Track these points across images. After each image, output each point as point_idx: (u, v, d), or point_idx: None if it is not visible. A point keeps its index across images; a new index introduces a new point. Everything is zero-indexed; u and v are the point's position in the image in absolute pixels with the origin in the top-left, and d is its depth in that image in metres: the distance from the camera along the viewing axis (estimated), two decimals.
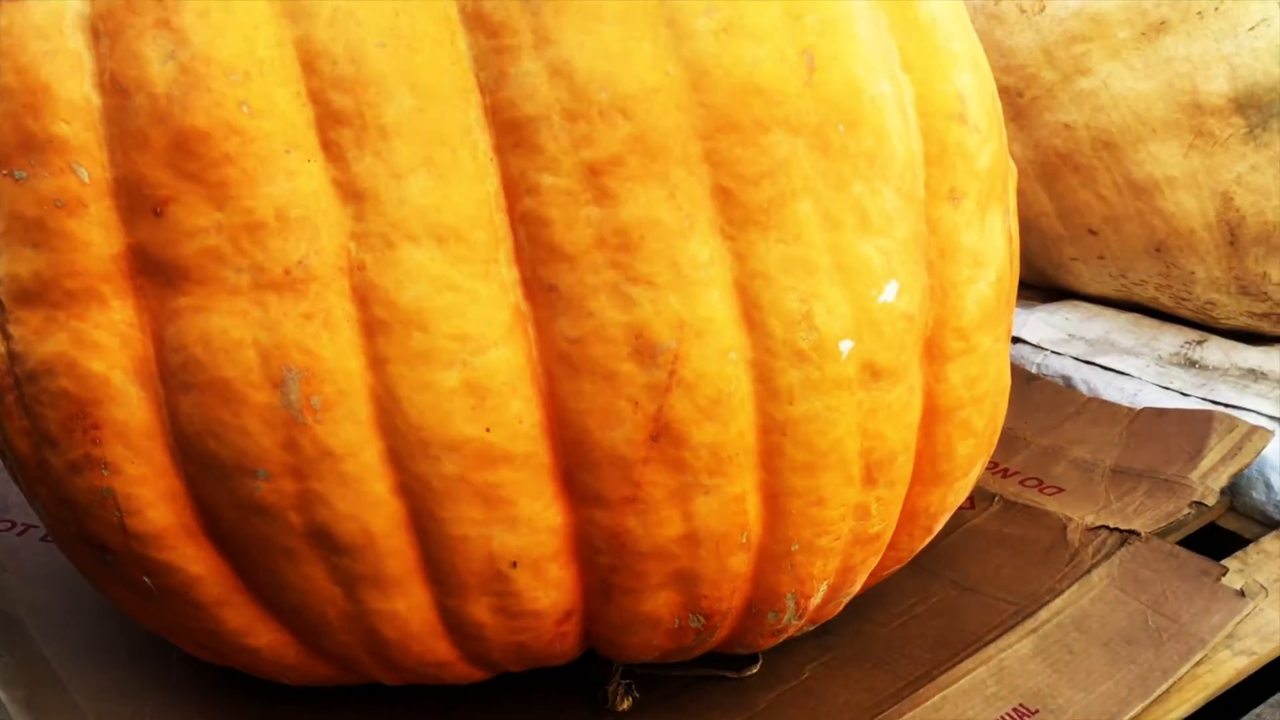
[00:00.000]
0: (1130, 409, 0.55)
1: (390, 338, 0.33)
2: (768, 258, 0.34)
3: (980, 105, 0.38)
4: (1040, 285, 0.67)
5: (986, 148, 0.38)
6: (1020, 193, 0.61)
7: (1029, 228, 0.63)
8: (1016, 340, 0.63)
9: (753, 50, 0.33)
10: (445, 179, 0.33)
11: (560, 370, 0.34)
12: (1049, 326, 0.63)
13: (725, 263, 0.34)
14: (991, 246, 0.39)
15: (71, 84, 0.34)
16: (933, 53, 0.37)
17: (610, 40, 0.33)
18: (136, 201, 0.34)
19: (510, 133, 0.33)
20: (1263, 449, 0.50)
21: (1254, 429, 0.51)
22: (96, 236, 0.34)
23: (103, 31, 0.34)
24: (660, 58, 0.33)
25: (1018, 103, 0.59)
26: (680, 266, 0.33)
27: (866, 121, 0.35)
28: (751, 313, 0.34)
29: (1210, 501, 0.50)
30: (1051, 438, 0.56)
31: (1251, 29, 0.53)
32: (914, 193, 0.36)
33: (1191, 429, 0.52)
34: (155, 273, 0.34)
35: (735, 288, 0.34)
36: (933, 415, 0.39)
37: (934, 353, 0.38)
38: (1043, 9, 0.57)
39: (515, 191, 0.34)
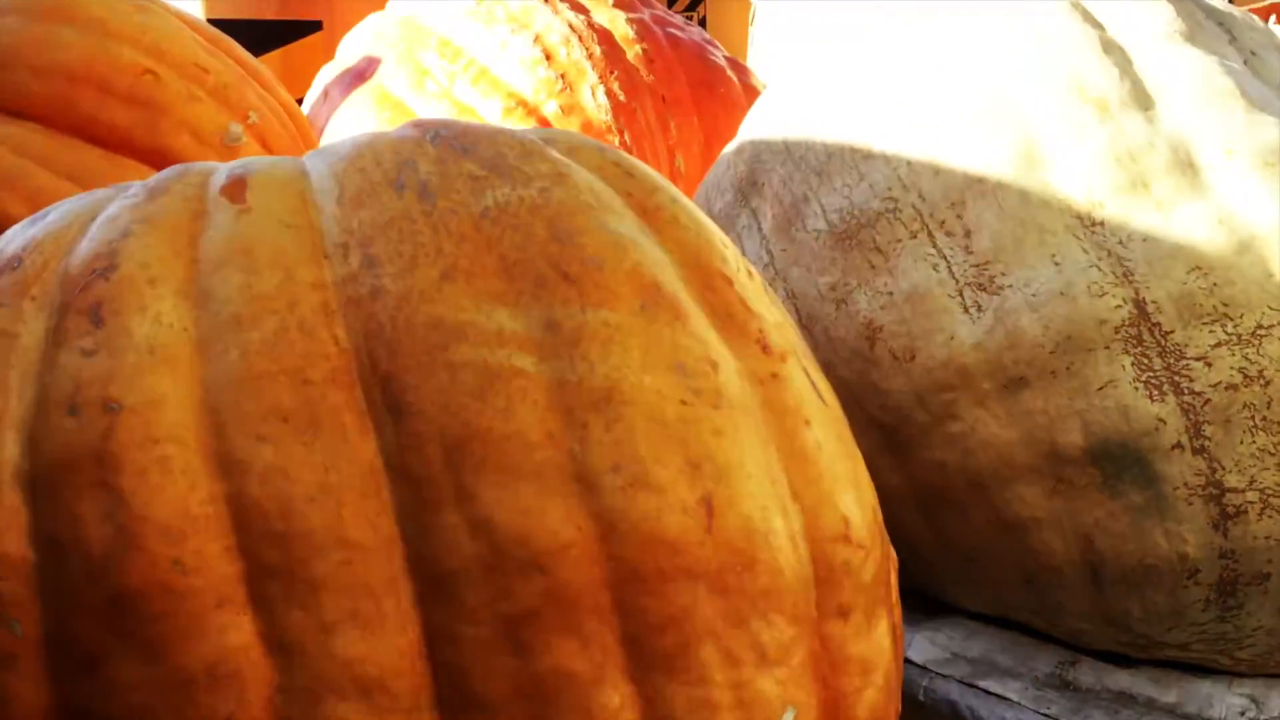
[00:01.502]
0: None
1: None
2: (674, 700, 0.36)
3: (863, 520, 0.42)
4: (922, 596, 0.71)
5: (870, 560, 0.42)
6: (901, 521, 0.65)
7: (910, 552, 0.66)
8: (904, 662, 0.65)
9: (656, 502, 0.37)
10: (371, 630, 0.35)
11: None
12: (933, 646, 0.67)
13: (635, 707, 0.36)
14: (879, 649, 0.42)
15: (9, 539, 0.36)
16: (818, 479, 0.41)
17: (526, 497, 0.36)
18: (69, 657, 0.35)
19: (433, 584, 0.36)
20: None
21: None
22: (27, 691, 0.35)
23: (41, 489, 0.36)
24: (573, 513, 0.36)
25: (895, 439, 0.64)
26: (592, 714, 0.35)
27: (762, 561, 0.38)
28: None
29: None
30: None
31: (1100, 389, 0.58)
32: (807, 615, 0.39)
33: None
34: None
35: None
36: None
37: None
38: (913, 358, 0.62)
39: (437, 641, 0.36)
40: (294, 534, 0.35)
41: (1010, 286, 0.59)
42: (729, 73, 1.07)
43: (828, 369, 0.65)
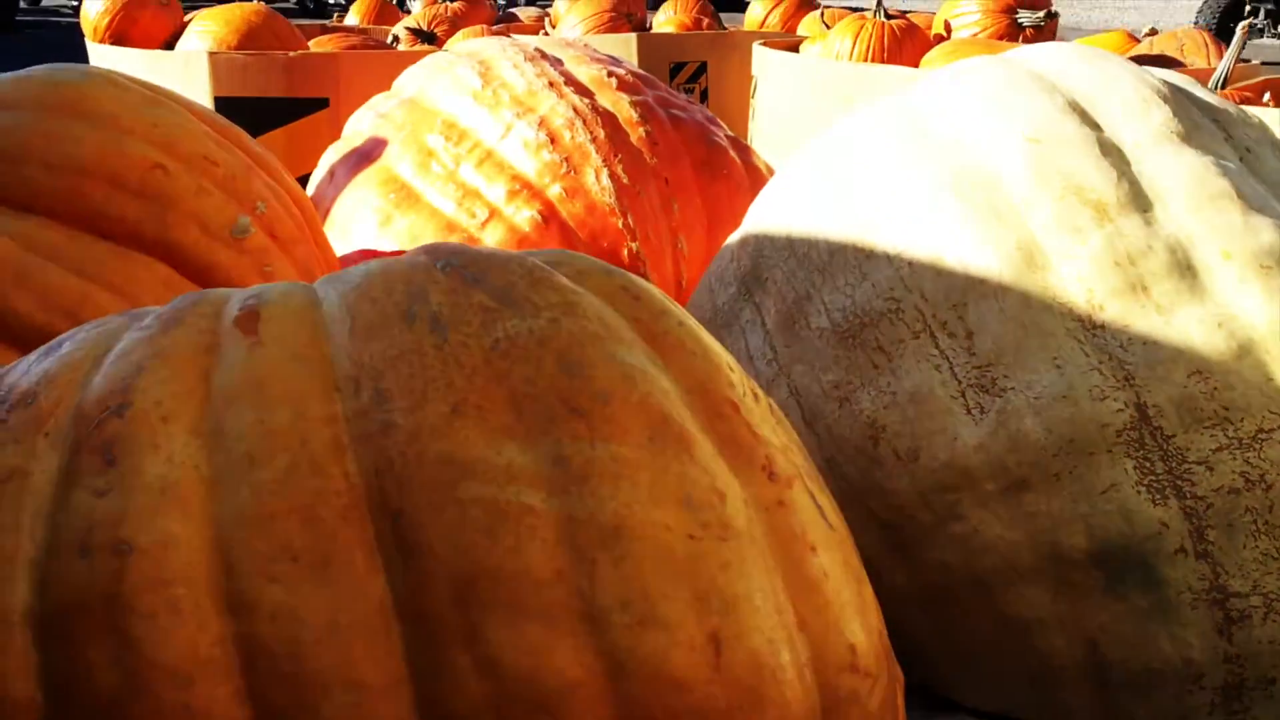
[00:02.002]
0: None
1: None
2: None
3: (869, 646, 0.42)
4: (925, 693, 0.70)
5: (878, 688, 0.42)
6: (904, 619, 0.65)
7: (914, 649, 0.66)
8: None
9: (664, 640, 0.37)
10: None
11: None
12: None
13: None
14: None
15: (18, 683, 0.36)
16: (825, 607, 0.41)
17: (535, 636, 0.36)
18: None
19: None
20: None
21: None
22: None
23: (52, 631, 0.36)
24: (581, 652, 0.36)
25: (898, 538, 0.64)
26: None
27: (770, 698, 0.38)
28: None
29: None
30: None
31: (1103, 492, 0.58)
32: None
33: None
34: None
35: None
36: None
37: None
38: (916, 458, 0.62)
39: None
40: (303, 676, 0.36)
41: (1013, 389, 0.60)
42: (731, 153, 1.08)
43: (831, 466, 0.65)
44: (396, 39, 1.66)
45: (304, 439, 0.38)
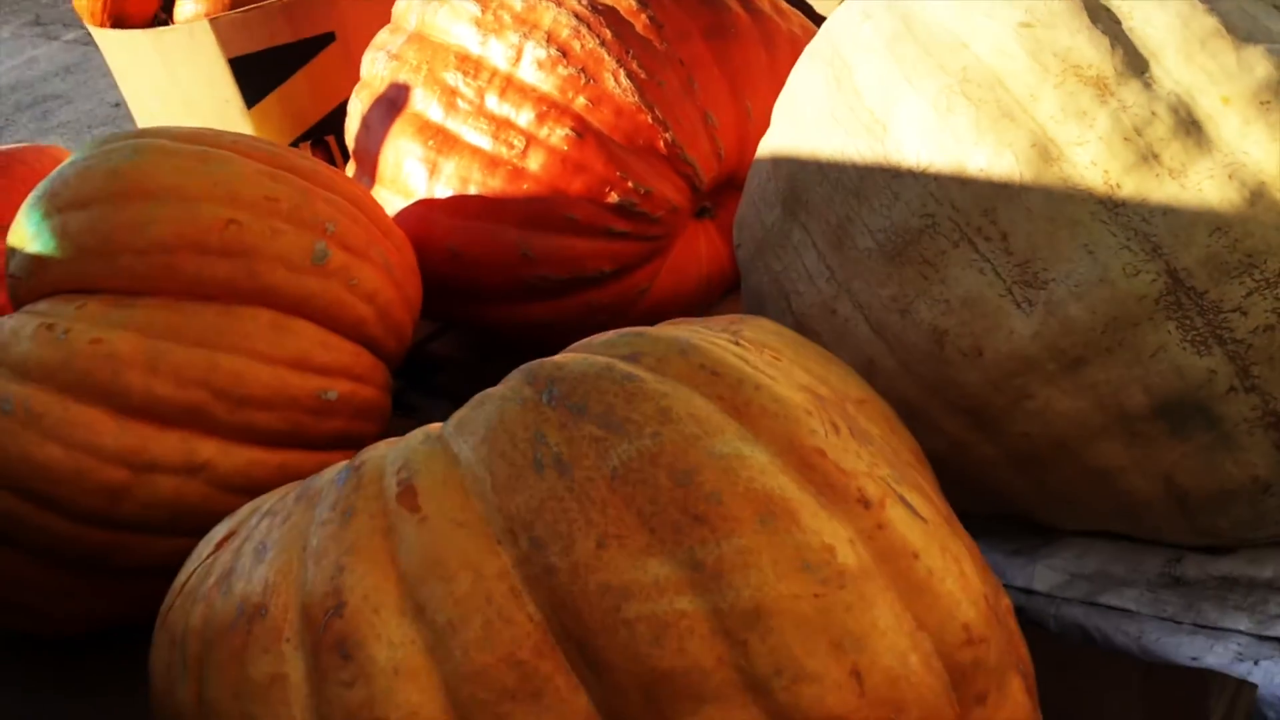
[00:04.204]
0: (1137, 663, 0.68)
1: None
2: None
3: (978, 614, 0.50)
4: (1034, 524, 0.79)
5: (993, 643, 0.50)
6: (1001, 479, 0.73)
7: (1017, 500, 0.75)
8: (1030, 593, 0.75)
9: (817, 689, 0.46)
10: None
11: None
12: (1052, 571, 0.76)
13: None
14: (1016, 703, 0.51)
15: None
16: (935, 602, 0.49)
17: (715, 715, 0.45)
18: None
19: None
20: (1254, 701, 0.63)
21: (1240, 685, 0.64)
22: None
23: None
24: (755, 718, 0.45)
25: (980, 419, 0.71)
26: None
27: (908, 699, 0.47)
28: None
29: None
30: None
31: (1152, 355, 0.65)
32: (952, 714, 0.49)
33: (1194, 692, 0.65)
34: None
35: None
36: None
37: None
38: (981, 353, 0.69)
39: None
40: None
41: (1053, 280, 0.66)
42: (734, 5, 1.10)
43: (905, 369, 0.72)
44: None
45: (488, 597, 0.47)
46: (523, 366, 0.54)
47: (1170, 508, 0.69)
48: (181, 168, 0.86)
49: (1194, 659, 0.68)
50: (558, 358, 0.54)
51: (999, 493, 0.75)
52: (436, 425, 0.55)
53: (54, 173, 0.88)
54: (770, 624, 0.46)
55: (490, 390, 0.54)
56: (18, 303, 0.88)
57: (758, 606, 0.46)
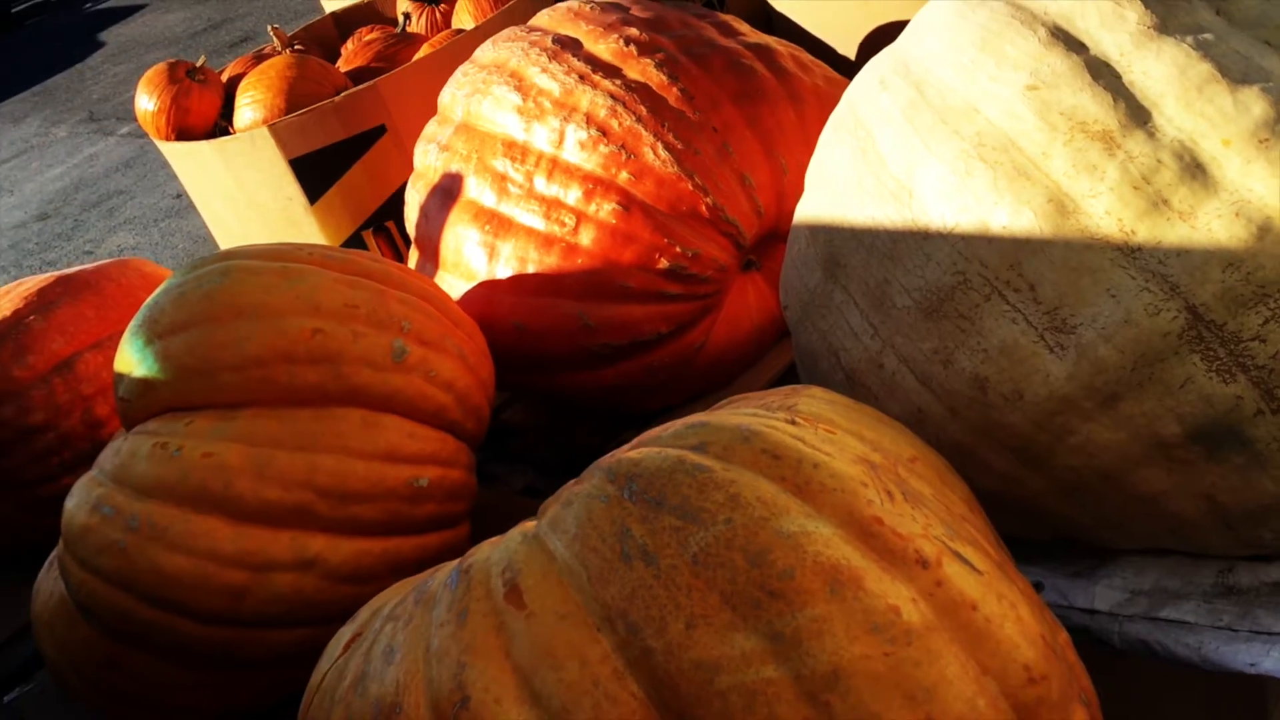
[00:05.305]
0: (1199, 674, 0.73)
1: None
2: None
3: (1037, 653, 0.55)
4: (1090, 546, 0.84)
5: (1054, 679, 0.55)
6: (1052, 509, 0.78)
7: (1069, 526, 0.80)
8: (1094, 612, 0.80)
9: None
10: None
11: None
12: (1112, 590, 0.80)
13: None
14: None
15: None
16: (996, 648, 0.54)
17: None
18: None
19: None
20: None
21: None
22: None
23: None
24: None
25: (1026, 456, 0.76)
26: None
27: None
28: None
29: None
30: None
31: (1181, 387, 0.70)
32: None
33: (1253, 701, 0.69)
34: None
35: None
36: None
37: None
38: (1021, 397, 0.74)
39: None
40: None
41: (1081, 325, 0.71)
42: (758, 68, 1.16)
43: (952, 415, 0.78)
44: (407, 16, 1.72)
45: (595, 680, 0.53)
46: (601, 464, 0.60)
47: (1214, 524, 0.73)
48: (266, 285, 0.93)
49: (1251, 665, 0.73)
50: (632, 454, 0.60)
51: (1053, 521, 0.80)
52: (530, 523, 0.61)
53: (150, 300, 0.96)
54: (849, 684, 0.51)
55: (575, 488, 0.60)
56: (129, 423, 0.95)
57: (835, 669, 0.51)
